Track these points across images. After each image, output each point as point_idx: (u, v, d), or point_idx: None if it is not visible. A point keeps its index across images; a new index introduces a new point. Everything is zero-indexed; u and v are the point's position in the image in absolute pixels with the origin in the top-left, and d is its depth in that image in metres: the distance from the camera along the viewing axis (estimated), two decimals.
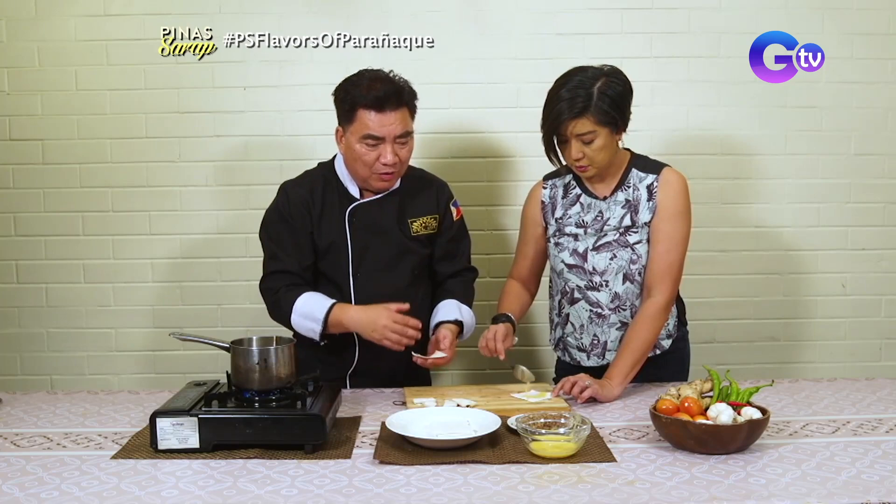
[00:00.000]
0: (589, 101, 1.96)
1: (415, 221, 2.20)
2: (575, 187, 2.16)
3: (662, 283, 2.06)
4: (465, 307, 2.23)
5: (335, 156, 2.22)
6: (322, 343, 2.11)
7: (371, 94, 2.02)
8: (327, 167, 2.21)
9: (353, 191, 2.16)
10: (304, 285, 2.13)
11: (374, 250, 2.15)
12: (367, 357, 2.17)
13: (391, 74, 2.09)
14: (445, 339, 2.08)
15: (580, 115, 1.97)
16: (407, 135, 2.08)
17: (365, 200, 2.15)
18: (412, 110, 2.11)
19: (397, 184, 2.16)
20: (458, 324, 2.18)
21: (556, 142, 2.06)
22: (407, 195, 2.19)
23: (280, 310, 2.11)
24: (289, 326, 2.13)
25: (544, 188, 2.20)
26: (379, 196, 2.15)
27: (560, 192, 2.18)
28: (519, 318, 2.23)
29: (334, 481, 1.49)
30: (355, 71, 2.14)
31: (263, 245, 2.20)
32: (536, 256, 2.26)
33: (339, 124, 2.11)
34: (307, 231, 2.14)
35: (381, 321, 2.00)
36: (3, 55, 2.88)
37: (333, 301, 2.08)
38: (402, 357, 2.08)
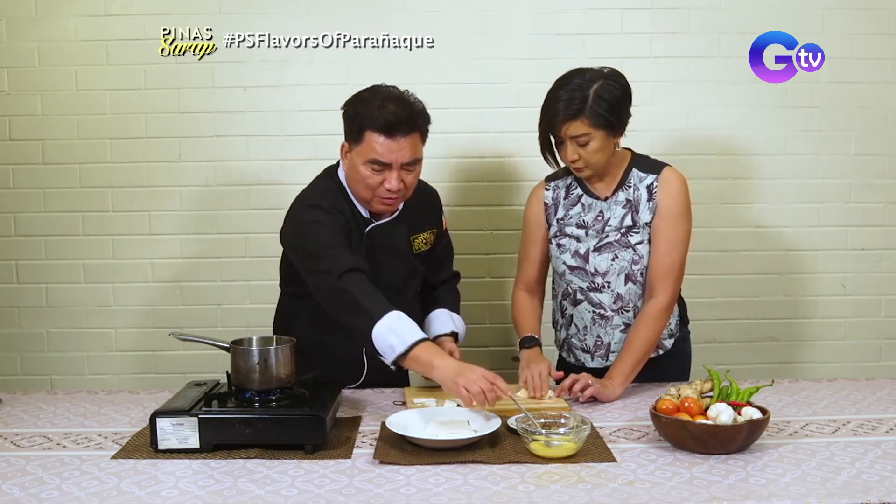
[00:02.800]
0: (584, 103, 1.96)
1: (416, 238, 2.13)
2: (576, 188, 2.16)
3: (664, 284, 2.06)
4: (455, 316, 2.24)
5: (336, 168, 2.10)
6: (392, 367, 1.86)
7: (382, 118, 1.89)
8: (338, 183, 2.06)
9: (364, 211, 2.05)
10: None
11: (387, 272, 2.05)
12: (374, 373, 2.13)
13: (405, 95, 1.96)
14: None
15: (575, 118, 1.97)
16: (416, 162, 1.97)
17: (382, 222, 2.06)
18: (424, 135, 1.98)
19: (400, 206, 2.07)
20: (454, 335, 2.19)
21: (553, 142, 2.06)
22: (410, 211, 2.10)
23: (361, 313, 1.83)
24: (364, 332, 1.83)
25: (546, 189, 2.20)
26: (394, 216, 2.07)
27: (562, 192, 2.18)
28: (538, 333, 2.22)
29: (334, 481, 1.49)
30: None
31: (310, 255, 1.95)
32: (543, 259, 2.24)
33: (345, 140, 2.00)
34: (349, 241, 1.98)
35: (470, 367, 1.76)
36: (3, 55, 2.88)
37: (427, 337, 1.85)
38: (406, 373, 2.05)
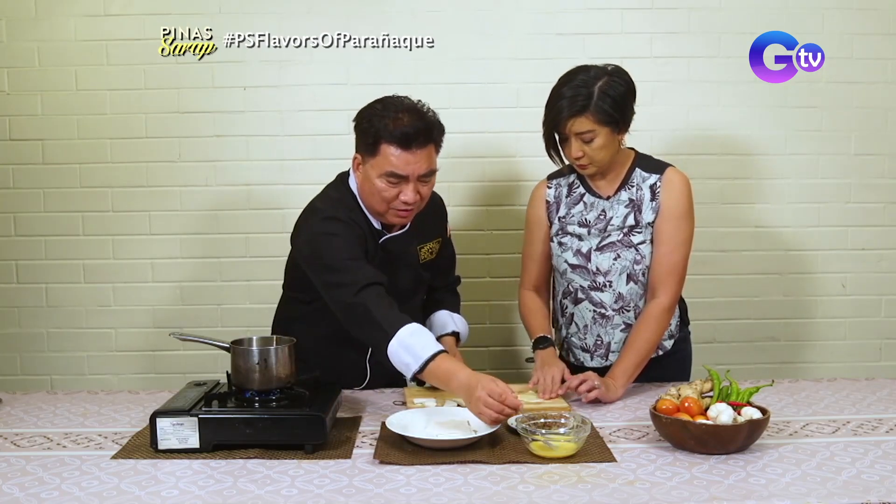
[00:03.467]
0: (589, 100, 1.96)
1: (423, 247, 2.13)
2: (578, 186, 2.16)
3: (666, 284, 2.06)
4: (456, 315, 2.24)
5: (347, 176, 2.07)
6: (410, 382, 1.89)
7: (398, 130, 1.86)
8: (349, 195, 2.04)
9: (376, 223, 2.03)
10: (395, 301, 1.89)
11: (395, 283, 2.02)
12: (377, 379, 2.13)
13: (418, 105, 1.93)
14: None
15: (579, 114, 1.97)
16: (431, 173, 1.95)
17: (395, 234, 2.05)
18: (438, 146, 1.96)
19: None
20: (455, 334, 2.19)
21: (557, 139, 2.07)
22: (419, 221, 2.08)
23: (378, 330, 1.82)
24: (379, 349, 1.83)
25: (549, 187, 2.20)
26: (406, 228, 2.06)
27: (564, 191, 2.18)
28: (550, 332, 2.21)
29: (334, 481, 1.49)
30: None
31: (328, 268, 1.91)
32: (546, 258, 2.23)
33: (358, 152, 1.97)
34: (366, 252, 1.97)
35: (475, 392, 1.68)
36: (3, 55, 2.88)
37: (444, 349, 1.81)
38: None
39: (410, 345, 1.79)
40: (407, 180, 1.91)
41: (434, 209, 2.17)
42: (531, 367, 2.15)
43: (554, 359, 2.11)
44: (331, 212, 1.99)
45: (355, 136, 1.98)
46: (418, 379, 1.83)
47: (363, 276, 1.87)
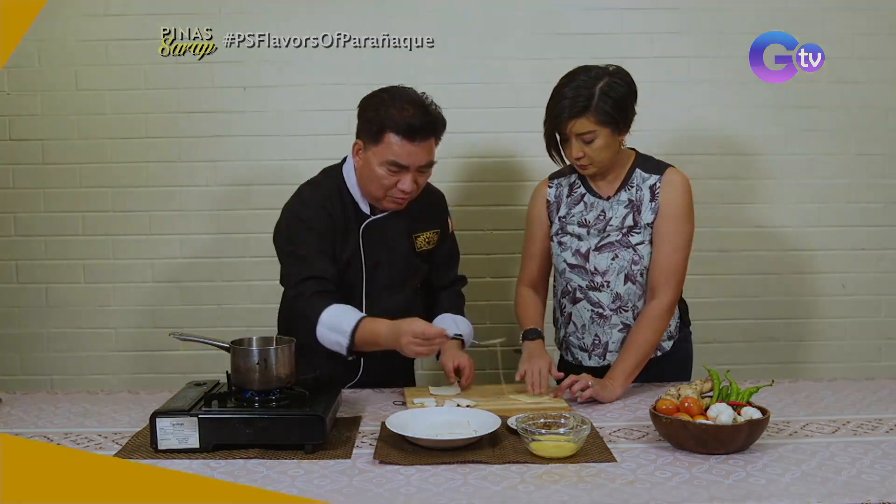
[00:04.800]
0: (590, 101, 1.96)
1: (419, 237, 2.15)
2: (579, 186, 2.16)
3: (666, 285, 2.06)
4: (459, 318, 2.24)
5: (342, 163, 2.12)
6: (350, 358, 1.97)
7: (403, 121, 1.92)
8: (338, 179, 2.09)
9: (364, 207, 2.08)
10: (335, 294, 1.99)
11: (384, 268, 2.09)
12: (372, 370, 2.14)
13: (423, 98, 1.99)
14: (466, 370, 2.07)
15: (580, 115, 1.97)
16: (430, 164, 2.01)
17: (378, 216, 2.08)
18: (439, 140, 2.02)
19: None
20: (458, 337, 2.18)
21: (558, 139, 2.07)
22: (412, 209, 2.11)
23: (307, 320, 1.94)
24: (315, 341, 1.95)
25: (549, 187, 2.21)
26: (390, 212, 2.09)
27: (565, 191, 2.18)
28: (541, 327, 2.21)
29: (334, 481, 1.49)
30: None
31: (285, 252, 2.05)
32: (545, 256, 2.24)
33: (360, 138, 2.02)
34: (331, 240, 2.04)
35: (402, 338, 1.85)
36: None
37: (364, 315, 1.93)
38: (406, 367, 2.06)
39: (334, 324, 1.91)
40: (407, 170, 1.97)
41: (432, 199, 2.21)
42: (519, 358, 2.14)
43: (541, 351, 2.11)
44: (304, 195, 2.08)
45: (358, 122, 2.02)
46: (357, 352, 1.92)
47: (307, 269, 1.97)
